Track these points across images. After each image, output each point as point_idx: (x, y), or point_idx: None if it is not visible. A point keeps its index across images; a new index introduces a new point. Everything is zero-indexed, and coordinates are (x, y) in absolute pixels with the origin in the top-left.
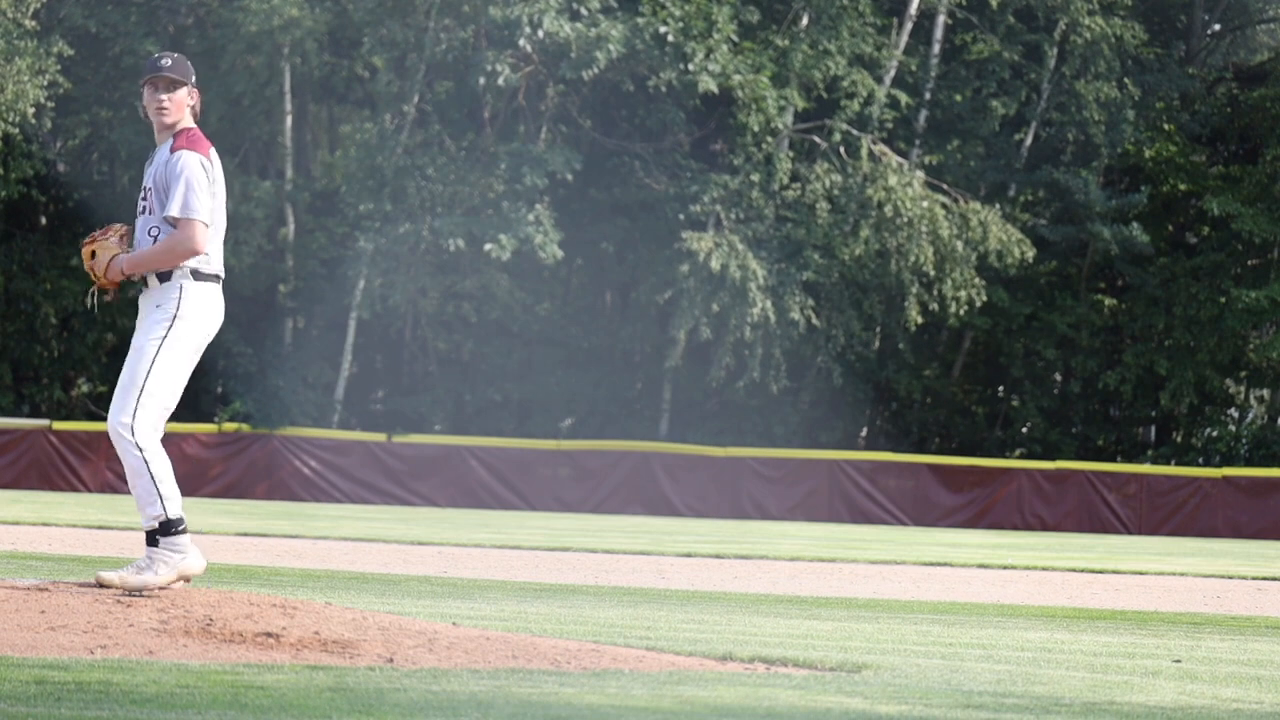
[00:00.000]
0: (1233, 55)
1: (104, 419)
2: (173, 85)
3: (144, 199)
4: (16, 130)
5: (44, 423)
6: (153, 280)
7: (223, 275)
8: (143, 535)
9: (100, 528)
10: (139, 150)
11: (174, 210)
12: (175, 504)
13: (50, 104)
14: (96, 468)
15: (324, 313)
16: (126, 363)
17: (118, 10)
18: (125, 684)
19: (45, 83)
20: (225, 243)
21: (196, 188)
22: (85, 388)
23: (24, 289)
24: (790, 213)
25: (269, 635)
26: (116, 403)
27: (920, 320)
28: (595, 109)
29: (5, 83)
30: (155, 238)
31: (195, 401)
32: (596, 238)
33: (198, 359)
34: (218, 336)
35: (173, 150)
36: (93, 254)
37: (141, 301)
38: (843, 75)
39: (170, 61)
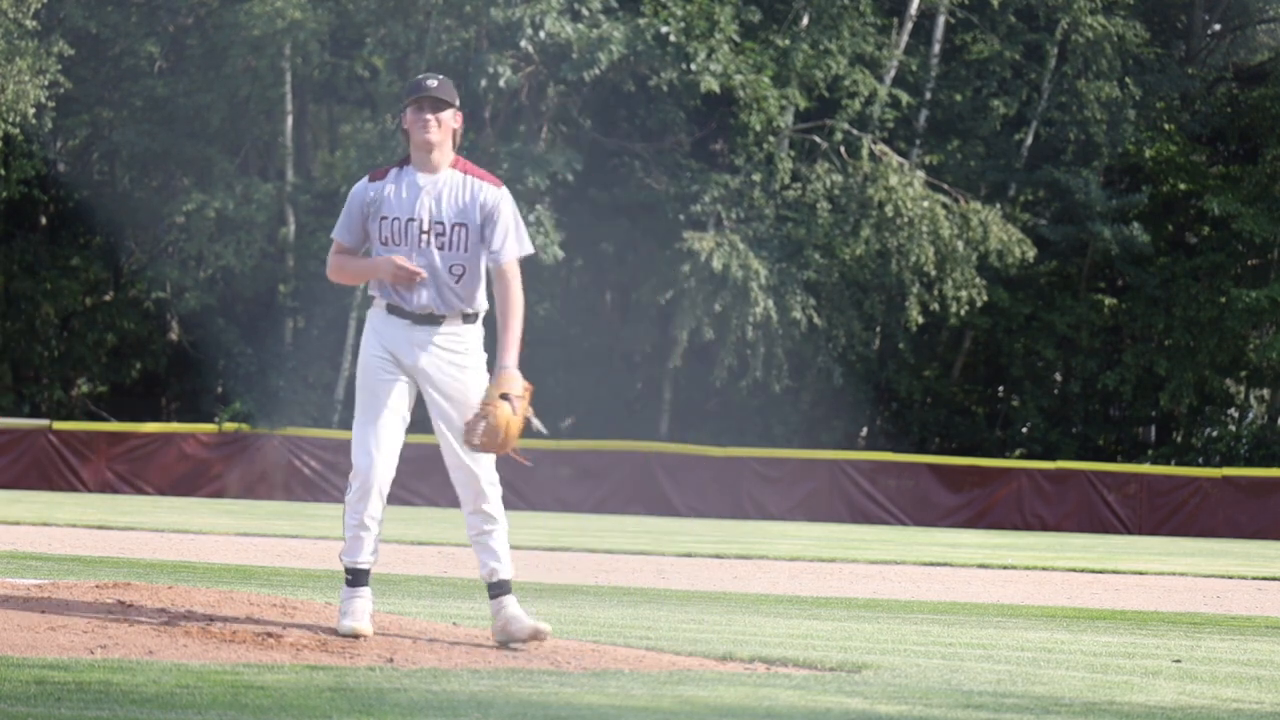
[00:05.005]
0: (1233, 55)
1: (104, 419)
2: (440, 105)
3: (439, 233)
4: (17, 130)
5: (44, 423)
6: (453, 320)
7: None
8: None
9: (100, 528)
10: (139, 150)
11: (514, 251)
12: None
13: (50, 104)
14: (96, 468)
15: (324, 313)
16: (464, 418)
17: (118, 10)
18: (125, 684)
19: (46, 83)
20: (228, 244)
21: (521, 223)
22: (85, 388)
23: (24, 289)
24: (791, 212)
25: (269, 635)
26: (484, 465)
27: (921, 320)
28: (596, 109)
29: (6, 83)
30: (460, 276)
31: (195, 401)
32: (597, 238)
33: None
34: (218, 337)
35: (466, 175)
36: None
37: (431, 347)
38: (844, 75)
39: (436, 83)
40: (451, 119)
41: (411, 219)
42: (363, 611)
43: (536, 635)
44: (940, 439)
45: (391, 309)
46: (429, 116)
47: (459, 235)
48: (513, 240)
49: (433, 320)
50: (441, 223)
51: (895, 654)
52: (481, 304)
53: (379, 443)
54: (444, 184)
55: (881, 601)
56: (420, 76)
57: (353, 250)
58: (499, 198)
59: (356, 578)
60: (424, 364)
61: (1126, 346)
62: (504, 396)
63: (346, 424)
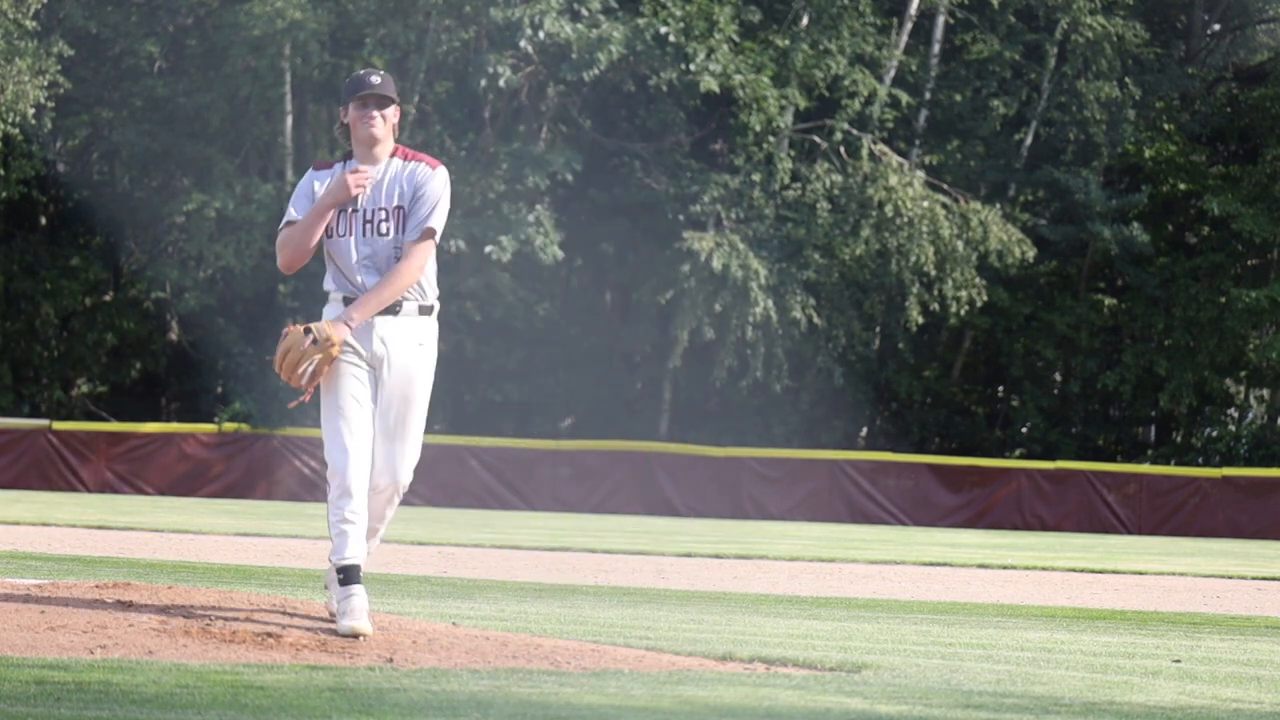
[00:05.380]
0: (1233, 55)
1: (104, 419)
2: (384, 102)
3: (381, 219)
4: (16, 130)
5: (44, 423)
6: (410, 312)
7: None
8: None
9: (100, 528)
10: (139, 150)
11: (427, 225)
12: None
13: (50, 104)
14: (96, 468)
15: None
16: (405, 414)
17: (118, 10)
18: (125, 684)
19: (45, 83)
20: (227, 244)
21: (445, 204)
22: (85, 388)
23: (24, 289)
24: (791, 212)
25: (269, 635)
26: (408, 461)
27: (921, 320)
28: (596, 109)
29: (5, 83)
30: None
31: (195, 401)
32: (597, 238)
33: None
34: (218, 337)
35: (406, 160)
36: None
37: (394, 335)
38: (843, 75)
39: (379, 79)
40: (393, 114)
41: (355, 210)
42: (360, 610)
43: (353, 632)
44: (940, 439)
45: (347, 301)
46: (374, 113)
47: (400, 219)
48: (425, 219)
49: (390, 309)
50: (384, 209)
51: (895, 654)
52: (433, 296)
53: (353, 437)
54: (384, 172)
55: (881, 601)
56: (362, 72)
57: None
58: (430, 176)
59: (349, 575)
60: (385, 351)
61: (1126, 346)
62: (308, 332)
63: None
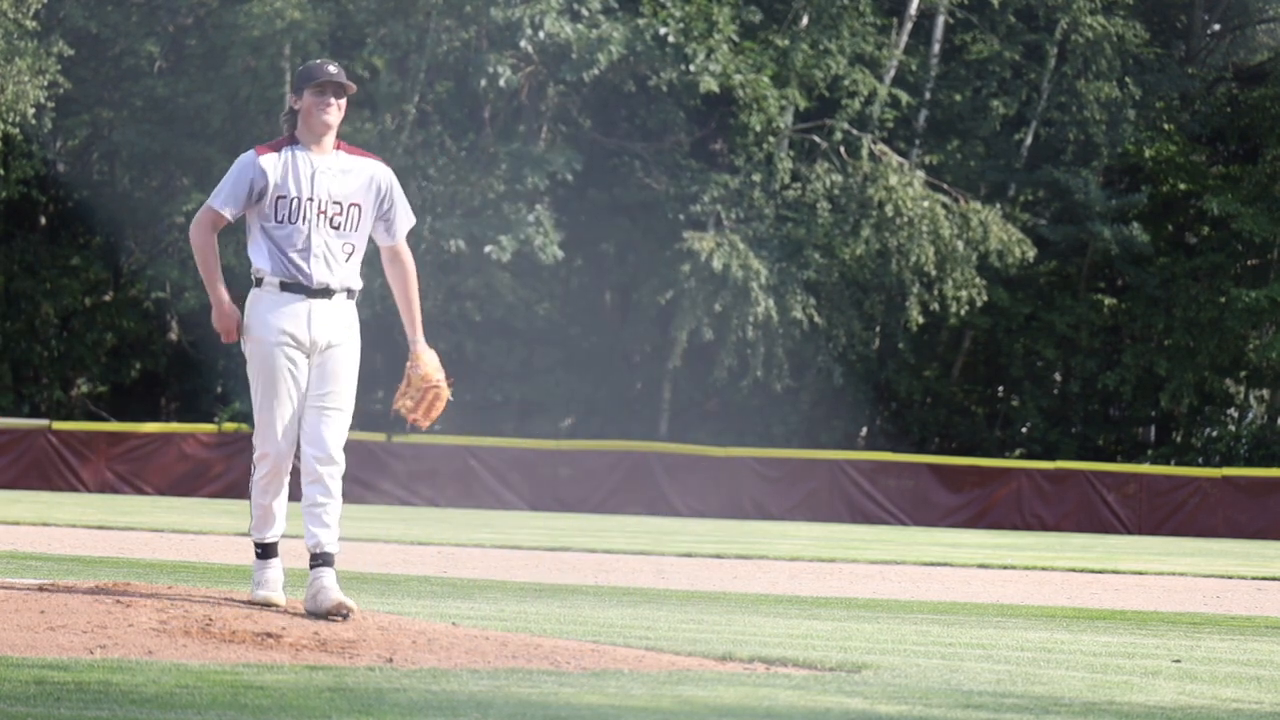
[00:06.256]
0: (1233, 55)
1: (104, 419)
2: (341, 91)
3: (335, 212)
4: (16, 130)
5: (44, 423)
6: (341, 298)
7: None
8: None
9: (100, 528)
10: (139, 150)
11: (407, 226)
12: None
13: (50, 104)
14: (96, 468)
15: None
16: (336, 391)
17: (118, 10)
18: (125, 684)
19: (45, 83)
20: (228, 244)
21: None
22: (85, 388)
23: (24, 289)
24: (791, 212)
25: (269, 635)
26: (337, 436)
27: (921, 320)
28: (596, 109)
29: (5, 83)
30: (350, 254)
31: (195, 401)
32: (597, 238)
33: None
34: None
35: (353, 155)
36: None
37: (330, 320)
38: (843, 75)
39: (336, 69)
40: (344, 105)
41: (310, 198)
42: (275, 581)
43: (339, 609)
44: (940, 439)
45: (286, 286)
46: (333, 101)
47: (354, 215)
48: (406, 217)
49: (327, 293)
50: (339, 203)
51: (895, 654)
52: (360, 282)
53: (290, 426)
54: (337, 164)
55: (881, 601)
56: (319, 61)
57: (230, 223)
58: (391, 177)
59: (267, 551)
60: (325, 336)
61: (1126, 346)
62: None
63: None
